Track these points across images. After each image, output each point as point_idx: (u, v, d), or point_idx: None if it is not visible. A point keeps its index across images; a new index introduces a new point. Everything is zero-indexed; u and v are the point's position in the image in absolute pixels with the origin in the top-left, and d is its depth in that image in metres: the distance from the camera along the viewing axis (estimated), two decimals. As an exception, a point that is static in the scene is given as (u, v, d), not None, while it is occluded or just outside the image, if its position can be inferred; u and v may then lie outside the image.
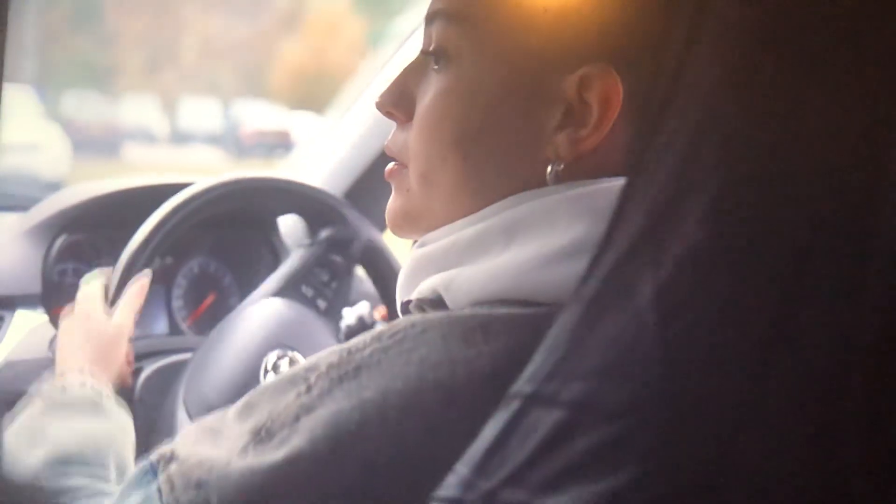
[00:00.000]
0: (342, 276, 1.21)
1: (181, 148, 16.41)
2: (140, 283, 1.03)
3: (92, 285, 1.01)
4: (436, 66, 0.68)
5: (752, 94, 0.44)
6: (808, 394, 0.42)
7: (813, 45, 0.42)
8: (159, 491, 0.62)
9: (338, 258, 1.20)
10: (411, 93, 0.70)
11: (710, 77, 0.45)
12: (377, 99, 0.71)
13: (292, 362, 1.05)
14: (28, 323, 1.12)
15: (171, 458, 0.63)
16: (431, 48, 0.68)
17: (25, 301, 1.13)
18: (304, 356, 1.07)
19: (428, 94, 0.68)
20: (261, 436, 0.59)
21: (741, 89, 0.44)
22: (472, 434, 0.53)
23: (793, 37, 0.43)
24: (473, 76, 0.66)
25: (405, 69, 0.71)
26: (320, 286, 1.19)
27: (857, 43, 0.42)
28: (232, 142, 17.22)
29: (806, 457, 0.42)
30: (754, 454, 0.43)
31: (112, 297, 1.01)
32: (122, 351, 0.98)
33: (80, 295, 1.00)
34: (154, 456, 0.65)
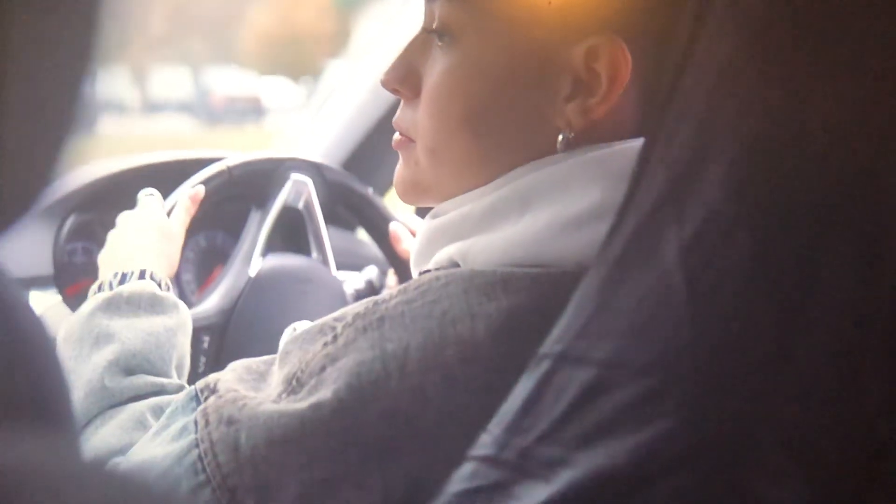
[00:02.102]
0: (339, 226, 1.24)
1: (152, 117, 16.25)
2: (195, 191, 1.04)
3: (152, 197, 1.00)
4: (440, 43, 0.68)
5: (768, 57, 0.45)
6: (832, 343, 0.43)
7: (830, 7, 0.44)
8: (195, 422, 0.64)
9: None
10: (417, 69, 0.70)
11: (726, 41, 0.46)
12: (382, 76, 0.71)
13: None
14: (42, 304, 1.12)
15: (212, 390, 0.65)
16: (435, 25, 0.68)
17: (38, 282, 1.13)
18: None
19: (434, 71, 0.68)
20: (292, 385, 0.61)
21: (757, 52, 0.45)
22: (490, 389, 0.55)
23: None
24: (480, 52, 0.66)
25: (408, 46, 0.71)
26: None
27: (874, 7, 0.43)
28: (203, 109, 17.05)
29: (833, 403, 0.44)
30: (782, 403, 0.44)
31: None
32: (178, 248, 0.97)
33: (140, 199, 1.00)
34: (200, 384, 0.67)
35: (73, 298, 1.13)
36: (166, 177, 1.08)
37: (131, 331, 0.82)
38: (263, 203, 1.16)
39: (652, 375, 0.46)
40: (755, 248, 0.44)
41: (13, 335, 0.37)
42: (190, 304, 1.25)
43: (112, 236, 0.94)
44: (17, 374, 0.36)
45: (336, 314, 0.64)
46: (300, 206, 1.18)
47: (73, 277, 1.15)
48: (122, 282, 0.87)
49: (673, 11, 0.51)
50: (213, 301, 1.10)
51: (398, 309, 0.61)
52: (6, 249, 1.08)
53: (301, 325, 0.83)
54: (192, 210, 1.03)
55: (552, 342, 0.51)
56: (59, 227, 1.17)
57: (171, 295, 0.88)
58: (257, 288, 1.11)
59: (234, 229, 1.25)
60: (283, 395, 0.62)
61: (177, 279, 1.26)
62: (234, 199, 1.15)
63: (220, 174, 1.10)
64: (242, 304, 1.10)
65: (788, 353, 0.44)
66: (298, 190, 1.17)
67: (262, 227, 1.14)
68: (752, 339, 0.45)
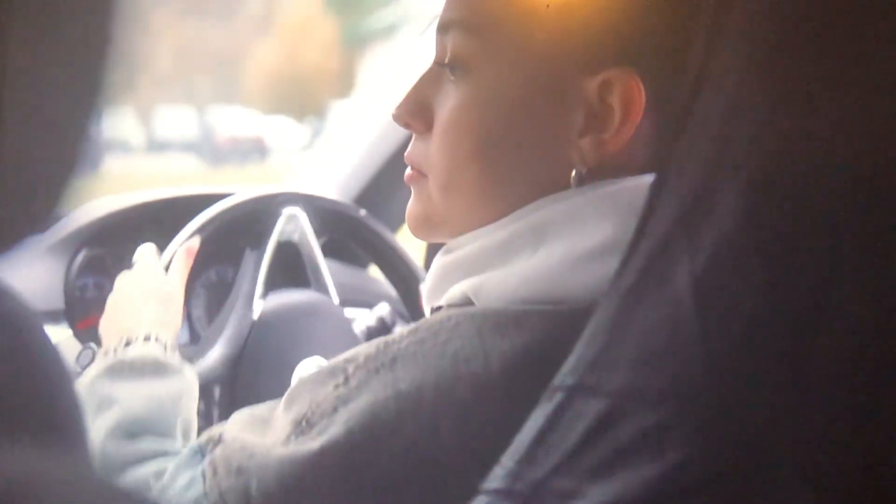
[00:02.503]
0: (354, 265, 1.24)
1: (156, 156, 16.34)
2: (187, 247, 1.03)
3: (149, 254, 1.00)
4: (452, 77, 0.68)
5: (778, 84, 0.45)
6: (847, 373, 0.43)
7: (842, 36, 0.44)
8: (203, 475, 0.63)
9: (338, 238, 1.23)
10: (429, 103, 0.69)
11: (736, 69, 0.46)
12: (394, 111, 0.71)
13: None
14: (53, 338, 1.12)
15: (218, 441, 0.65)
16: (447, 59, 0.68)
17: (50, 317, 1.14)
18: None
19: (447, 105, 0.68)
20: (301, 426, 0.61)
21: (767, 79, 0.45)
22: (506, 425, 0.54)
23: (818, 23, 0.44)
24: (493, 85, 0.66)
25: (420, 79, 0.71)
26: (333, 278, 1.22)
27: (887, 35, 0.43)
28: (207, 148, 17.16)
29: (847, 431, 0.44)
30: (796, 434, 0.44)
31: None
32: (180, 308, 0.96)
33: (136, 259, 0.99)
34: (204, 437, 0.67)
35: (85, 333, 1.13)
36: (175, 213, 1.09)
37: (134, 396, 0.81)
38: (258, 241, 1.16)
39: (665, 405, 0.46)
40: (767, 277, 0.45)
41: (27, 354, 0.37)
42: (198, 339, 1.25)
43: (112, 301, 0.94)
44: (30, 391, 0.36)
45: (346, 356, 0.64)
46: (295, 238, 1.18)
47: (84, 312, 1.16)
48: (127, 347, 0.86)
49: (686, 44, 0.52)
50: (218, 351, 1.09)
51: (410, 349, 0.61)
52: (18, 283, 1.09)
53: (311, 362, 0.83)
54: (190, 262, 1.02)
55: (565, 374, 0.50)
56: (71, 262, 1.18)
57: (177, 358, 0.87)
58: (262, 330, 1.11)
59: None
60: (293, 438, 0.61)
61: (187, 316, 1.27)
62: (234, 238, 1.16)
63: (212, 221, 1.10)
64: (248, 349, 1.09)
65: (802, 382, 0.44)
66: (291, 223, 1.17)
67: (259, 266, 1.14)
68: (765, 367, 0.44)
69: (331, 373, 0.63)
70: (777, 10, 0.45)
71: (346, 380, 0.61)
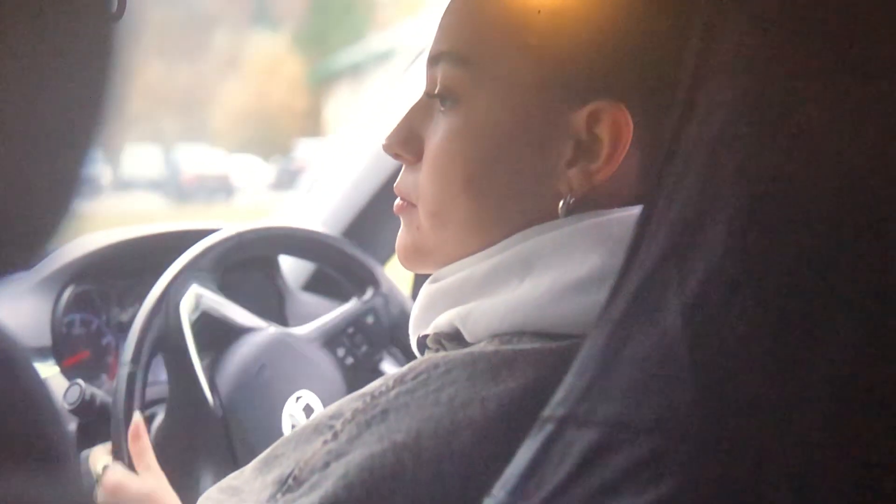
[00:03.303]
0: (376, 343, 1.23)
1: (122, 195, 16.25)
2: (134, 429, 0.97)
3: (109, 466, 0.96)
4: (442, 108, 0.68)
5: (765, 115, 0.46)
6: (840, 402, 0.43)
7: (832, 65, 0.45)
8: None
9: (371, 322, 1.22)
10: (418, 134, 0.70)
11: (723, 101, 0.47)
12: (384, 141, 0.71)
13: (308, 409, 1.06)
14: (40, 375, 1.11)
15: None
16: (437, 90, 0.68)
17: (37, 354, 1.13)
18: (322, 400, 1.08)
19: (437, 135, 0.68)
20: (288, 484, 0.60)
21: (754, 111, 0.46)
22: (508, 464, 0.54)
23: (806, 55, 0.45)
24: (482, 116, 0.66)
25: (410, 110, 0.71)
26: (352, 345, 1.20)
27: (869, 56, 0.44)
28: (173, 187, 17.10)
29: (839, 462, 0.44)
30: (787, 463, 0.44)
31: (119, 441, 0.98)
32: (164, 480, 0.94)
33: (105, 477, 0.95)
34: None
35: (71, 369, 1.12)
36: (162, 248, 1.08)
37: None
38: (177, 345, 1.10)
39: (656, 436, 0.46)
40: (757, 307, 0.45)
41: (14, 388, 0.36)
42: None
43: None
44: (17, 424, 0.36)
45: (329, 412, 0.63)
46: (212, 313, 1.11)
47: (71, 349, 1.15)
48: None
49: (674, 76, 0.52)
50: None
51: (401, 400, 0.60)
52: (4, 320, 1.07)
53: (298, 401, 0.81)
54: (144, 437, 0.98)
55: (555, 405, 0.50)
56: (57, 299, 1.17)
57: None
58: (230, 416, 1.07)
59: (232, 301, 1.22)
60: (279, 496, 0.60)
61: None
62: (238, 269, 1.15)
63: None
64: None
65: (792, 412, 0.44)
66: (196, 303, 1.10)
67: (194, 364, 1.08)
68: (755, 397, 0.45)
69: (315, 430, 0.62)
70: (765, 42, 0.46)
71: (336, 435, 0.60)
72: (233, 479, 0.66)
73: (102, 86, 0.36)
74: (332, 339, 1.19)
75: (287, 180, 16.11)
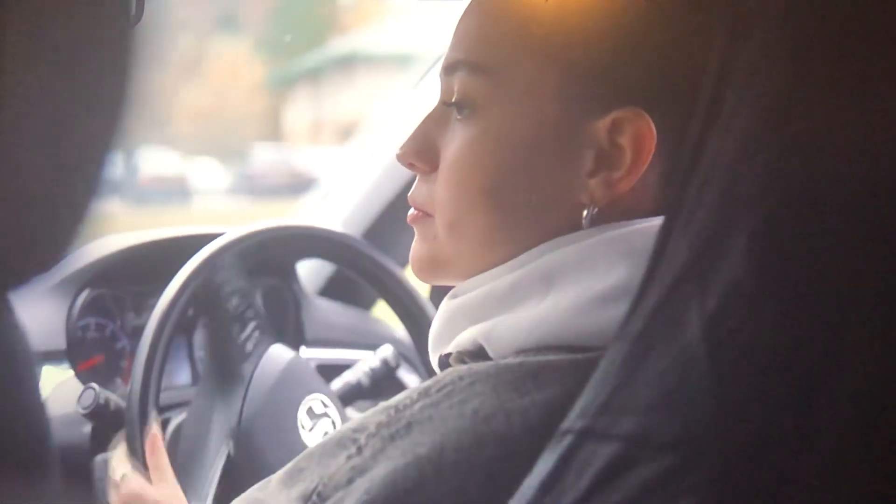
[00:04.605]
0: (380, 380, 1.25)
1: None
2: (151, 438, 0.99)
3: (115, 462, 0.98)
4: (459, 116, 0.67)
5: (787, 125, 0.45)
6: (863, 418, 0.43)
7: (847, 74, 0.44)
8: None
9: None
10: (434, 143, 0.69)
11: (746, 113, 0.46)
12: (398, 150, 0.70)
13: (324, 405, 1.07)
14: (55, 379, 1.12)
15: None
16: (454, 99, 0.67)
17: (51, 357, 1.14)
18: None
19: (454, 145, 0.67)
20: (312, 500, 0.59)
21: (776, 121, 0.45)
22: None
23: (827, 63, 0.44)
24: (501, 125, 0.65)
25: (425, 119, 0.70)
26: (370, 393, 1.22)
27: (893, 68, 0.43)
28: (130, 189, 17.20)
29: (860, 477, 0.43)
30: (811, 480, 0.43)
31: (135, 448, 0.99)
32: (175, 483, 0.95)
33: (122, 484, 0.97)
34: None
35: (86, 373, 1.13)
36: (178, 251, 1.09)
37: None
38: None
39: (676, 451, 0.45)
40: (779, 321, 0.44)
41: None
42: (198, 380, 1.24)
43: None
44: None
45: (353, 425, 0.62)
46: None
47: (86, 353, 1.16)
48: None
49: (697, 83, 0.52)
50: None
51: (425, 413, 0.59)
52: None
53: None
54: (160, 441, 0.99)
55: (574, 418, 0.50)
56: (72, 303, 1.18)
57: None
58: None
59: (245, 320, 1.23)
60: None
61: (189, 355, 1.26)
62: (254, 274, 1.15)
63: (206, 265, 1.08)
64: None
65: (814, 427, 0.43)
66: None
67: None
68: (776, 412, 0.44)
69: (339, 444, 0.61)
70: (786, 51, 0.45)
71: (360, 450, 0.59)
72: (258, 490, 0.65)
73: (121, 90, 0.36)
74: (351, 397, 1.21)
75: (244, 185, 16.19)
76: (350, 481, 0.58)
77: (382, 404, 0.62)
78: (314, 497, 0.59)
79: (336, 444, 0.61)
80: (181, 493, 0.95)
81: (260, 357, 1.09)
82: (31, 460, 0.37)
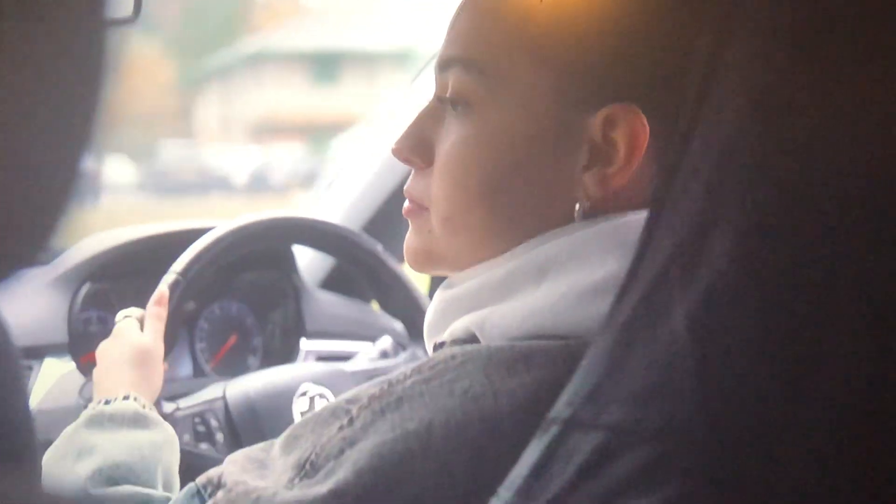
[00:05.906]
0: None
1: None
2: (156, 297, 1.04)
3: (127, 319, 1.02)
4: (454, 112, 0.68)
5: (774, 123, 0.46)
6: (845, 407, 0.43)
7: (835, 70, 0.44)
8: None
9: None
10: (429, 138, 0.69)
11: (732, 107, 0.47)
12: (394, 145, 0.71)
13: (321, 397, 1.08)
14: (57, 372, 1.13)
15: (218, 485, 0.64)
16: (448, 95, 0.68)
17: (53, 350, 1.15)
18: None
19: (449, 140, 0.68)
20: (305, 469, 0.60)
21: (763, 121, 0.46)
22: (516, 463, 0.54)
23: (814, 64, 0.45)
24: (496, 121, 0.66)
25: (420, 114, 0.71)
26: None
27: (884, 66, 0.44)
28: None
29: (846, 467, 0.44)
30: (793, 468, 0.44)
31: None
32: (159, 367, 0.98)
33: (116, 325, 1.01)
34: (202, 479, 0.66)
35: (88, 367, 1.14)
36: (179, 245, 1.10)
37: (114, 444, 0.83)
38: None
39: (662, 440, 0.46)
40: (762, 313, 0.45)
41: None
42: (205, 375, 1.26)
43: (95, 373, 0.97)
44: None
45: (348, 396, 0.64)
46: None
47: (88, 346, 1.17)
48: (106, 405, 0.88)
49: (686, 77, 0.52)
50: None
51: (416, 389, 0.60)
52: (21, 316, 1.10)
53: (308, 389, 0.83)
54: (163, 314, 1.03)
55: (561, 406, 0.51)
56: (74, 296, 1.19)
57: (155, 413, 0.90)
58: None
59: (249, 299, 1.25)
60: (297, 480, 0.60)
61: (191, 347, 1.27)
62: (254, 266, 1.16)
63: (201, 257, 1.09)
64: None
65: (799, 417, 0.44)
66: None
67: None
68: (761, 402, 0.44)
69: (333, 413, 0.62)
70: (772, 48, 0.46)
71: (351, 421, 0.61)
72: (261, 450, 0.67)
73: (98, 86, 0.36)
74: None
75: (153, 182, 16.21)
76: (341, 452, 0.60)
77: (379, 378, 0.63)
78: (307, 466, 0.60)
79: (330, 414, 0.63)
80: (160, 355, 1.00)
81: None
82: (14, 454, 0.37)
